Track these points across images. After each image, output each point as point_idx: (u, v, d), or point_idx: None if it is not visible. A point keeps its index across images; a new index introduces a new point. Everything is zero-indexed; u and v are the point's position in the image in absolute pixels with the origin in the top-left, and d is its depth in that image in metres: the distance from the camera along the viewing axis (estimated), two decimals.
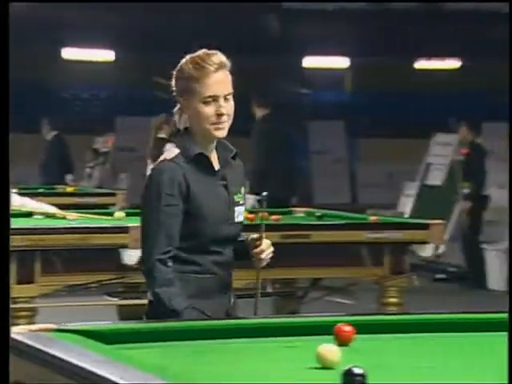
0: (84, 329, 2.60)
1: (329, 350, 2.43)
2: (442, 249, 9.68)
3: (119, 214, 6.46)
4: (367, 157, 16.25)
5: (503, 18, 12.57)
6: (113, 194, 9.69)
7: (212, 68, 2.96)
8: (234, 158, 3.11)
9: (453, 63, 18.68)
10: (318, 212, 6.21)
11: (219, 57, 3.00)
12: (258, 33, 15.81)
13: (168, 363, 2.41)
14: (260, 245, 3.08)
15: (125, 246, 5.18)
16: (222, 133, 3.00)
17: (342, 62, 18.02)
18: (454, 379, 2.35)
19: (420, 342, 2.80)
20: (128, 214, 6.58)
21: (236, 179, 3.09)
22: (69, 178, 12.16)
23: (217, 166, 3.06)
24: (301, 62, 17.95)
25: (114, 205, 9.24)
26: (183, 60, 3.03)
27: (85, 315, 6.64)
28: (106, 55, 16.64)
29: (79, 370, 2.14)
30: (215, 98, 2.97)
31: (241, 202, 3.07)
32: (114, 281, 5.32)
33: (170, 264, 2.95)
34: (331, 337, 2.69)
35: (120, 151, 15.49)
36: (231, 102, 3.00)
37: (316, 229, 5.56)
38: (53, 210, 6.39)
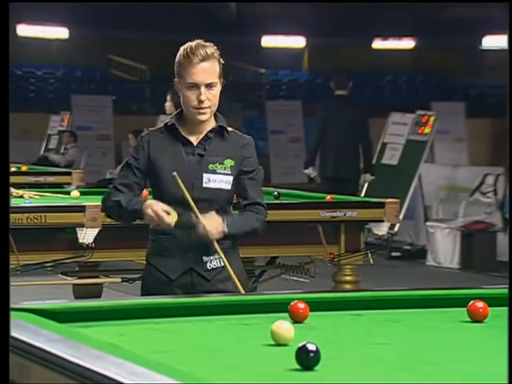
0: (38, 307, 2.59)
1: (283, 327, 2.45)
2: (396, 227, 9.77)
3: (75, 193, 6.43)
4: None
5: None
6: (69, 173, 9.63)
7: (196, 59, 3.33)
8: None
9: (408, 43, 18.76)
10: (275, 191, 6.24)
11: (207, 49, 3.35)
12: (217, 11, 15.75)
13: (122, 341, 2.42)
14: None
15: (81, 225, 5.16)
16: (203, 117, 3.36)
17: (299, 42, 18.03)
18: (408, 355, 2.39)
19: (375, 319, 2.83)
20: (84, 193, 6.55)
21: (223, 152, 3.38)
22: None
23: (194, 139, 3.39)
24: (259, 41, 17.93)
25: (70, 184, 9.19)
26: (183, 46, 3.40)
27: (40, 295, 6.62)
28: (62, 33, 16.47)
29: (33, 349, 2.14)
30: (197, 85, 3.34)
31: (218, 171, 3.36)
32: (70, 260, 5.30)
33: (122, 191, 3.41)
34: (286, 314, 2.72)
35: (77, 130, 15.37)
36: (214, 91, 3.35)
37: (273, 208, 5.58)
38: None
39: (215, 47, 3.39)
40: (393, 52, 18.72)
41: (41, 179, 9.22)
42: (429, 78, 19.71)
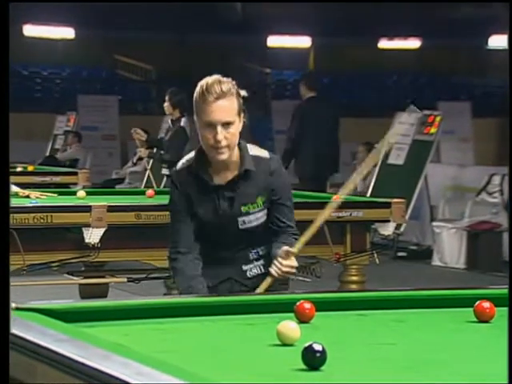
0: (44, 307, 2.59)
1: (289, 327, 2.45)
2: (402, 227, 9.76)
3: (81, 193, 6.44)
4: None
5: None
6: (75, 173, 9.64)
7: (211, 97, 3.20)
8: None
9: (414, 43, 18.74)
10: None
11: (223, 86, 3.22)
12: (222, 12, 15.73)
13: (128, 341, 2.42)
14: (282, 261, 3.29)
15: (87, 225, 5.16)
16: (222, 156, 3.26)
17: (304, 42, 18.02)
18: (414, 355, 2.38)
19: (380, 319, 2.82)
20: (90, 193, 6.55)
21: (253, 191, 3.34)
22: None
23: (221, 179, 3.32)
24: (265, 41, 17.93)
25: (76, 184, 9.20)
26: (200, 83, 3.28)
27: (46, 294, 6.62)
28: (67, 33, 16.48)
29: (39, 349, 2.14)
30: (213, 125, 3.22)
31: (252, 211, 3.34)
32: (76, 260, 5.30)
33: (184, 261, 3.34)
34: (292, 314, 2.72)
35: (82, 130, 15.38)
36: (232, 129, 3.23)
37: None
38: (15, 188, 6.35)
39: (233, 82, 3.26)
40: (398, 52, 18.70)
41: (47, 179, 9.23)
42: (435, 77, 19.69)
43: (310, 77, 10.12)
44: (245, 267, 3.40)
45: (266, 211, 3.36)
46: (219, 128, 3.21)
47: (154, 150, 8.05)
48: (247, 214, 3.33)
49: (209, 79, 3.25)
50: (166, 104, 7.70)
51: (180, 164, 3.38)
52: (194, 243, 3.37)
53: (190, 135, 7.56)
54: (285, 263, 3.29)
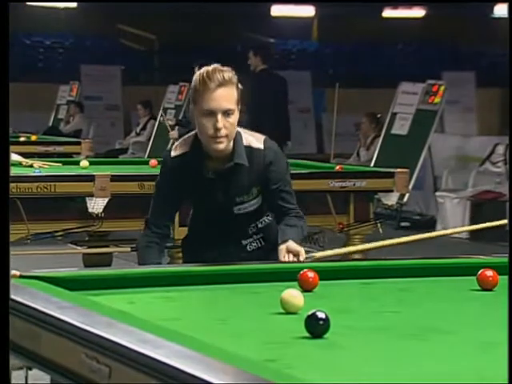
0: (48, 275, 2.60)
1: (293, 295, 2.46)
2: (406, 197, 9.75)
3: (84, 163, 6.44)
4: (334, 107, 16.22)
5: None
6: (78, 143, 9.64)
7: (213, 84, 3.13)
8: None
9: (418, 12, 18.63)
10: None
11: (224, 74, 3.15)
12: None
13: (132, 309, 2.43)
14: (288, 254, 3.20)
15: (90, 195, 5.16)
16: (220, 146, 3.18)
17: (308, 11, 17.91)
18: (418, 323, 2.39)
19: (384, 287, 2.83)
20: (93, 163, 6.55)
21: (247, 182, 3.28)
22: None
23: (214, 169, 3.25)
24: (268, 11, 17.81)
25: (79, 154, 9.21)
26: (199, 71, 3.20)
27: (50, 263, 6.63)
28: (69, 2, 16.40)
29: (44, 316, 2.15)
30: (213, 113, 3.14)
31: (246, 200, 3.30)
32: (80, 230, 5.31)
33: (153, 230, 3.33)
34: (295, 283, 2.72)
35: (85, 100, 15.34)
36: (231, 119, 3.16)
37: None
38: (18, 158, 6.35)
39: (233, 72, 3.18)
40: (403, 21, 18.59)
41: (50, 149, 9.24)
42: (439, 47, 19.59)
43: (263, 48, 10.01)
44: (244, 242, 3.38)
45: (261, 196, 3.33)
46: (219, 116, 3.13)
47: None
48: (242, 203, 3.31)
49: (209, 68, 3.17)
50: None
51: (174, 151, 3.29)
52: (165, 227, 3.35)
53: None
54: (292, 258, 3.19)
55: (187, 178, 3.27)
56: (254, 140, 3.29)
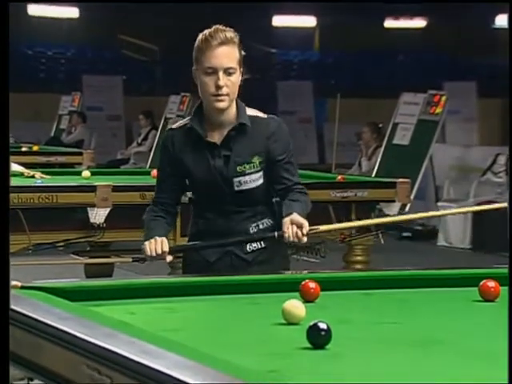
0: (50, 286, 2.60)
1: (294, 305, 2.45)
2: (407, 207, 9.76)
3: (86, 174, 6.45)
4: (335, 117, 16.22)
5: None
6: (80, 154, 9.65)
7: (215, 42, 3.18)
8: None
9: (420, 22, 18.66)
10: None
11: (226, 33, 3.20)
12: None
13: (133, 320, 2.42)
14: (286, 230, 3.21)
15: (92, 205, 5.16)
16: (221, 104, 3.21)
17: (310, 21, 17.94)
18: (419, 334, 2.39)
19: (385, 298, 2.83)
20: (94, 173, 6.56)
21: (249, 149, 3.26)
22: None
23: (217, 138, 3.26)
24: (270, 21, 17.85)
25: (80, 164, 9.21)
26: (202, 32, 3.25)
27: (51, 274, 6.62)
28: (72, 12, 16.42)
29: (45, 327, 2.15)
30: (215, 71, 3.18)
31: (248, 172, 3.27)
32: (81, 240, 5.31)
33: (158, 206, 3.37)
34: (297, 294, 2.72)
35: (87, 110, 15.35)
36: (233, 77, 3.19)
37: None
38: (20, 168, 6.35)
39: (235, 33, 3.22)
40: (404, 31, 18.62)
41: (52, 159, 9.24)
42: (440, 57, 19.62)
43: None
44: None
45: (262, 174, 3.30)
46: (221, 74, 3.16)
47: None
48: (243, 174, 3.27)
49: (211, 28, 3.22)
50: None
51: (177, 123, 3.37)
52: (170, 206, 3.36)
53: None
54: (296, 230, 3.20)
55: (187, 147, 3.27)
56: (258, 112, 3.35)
